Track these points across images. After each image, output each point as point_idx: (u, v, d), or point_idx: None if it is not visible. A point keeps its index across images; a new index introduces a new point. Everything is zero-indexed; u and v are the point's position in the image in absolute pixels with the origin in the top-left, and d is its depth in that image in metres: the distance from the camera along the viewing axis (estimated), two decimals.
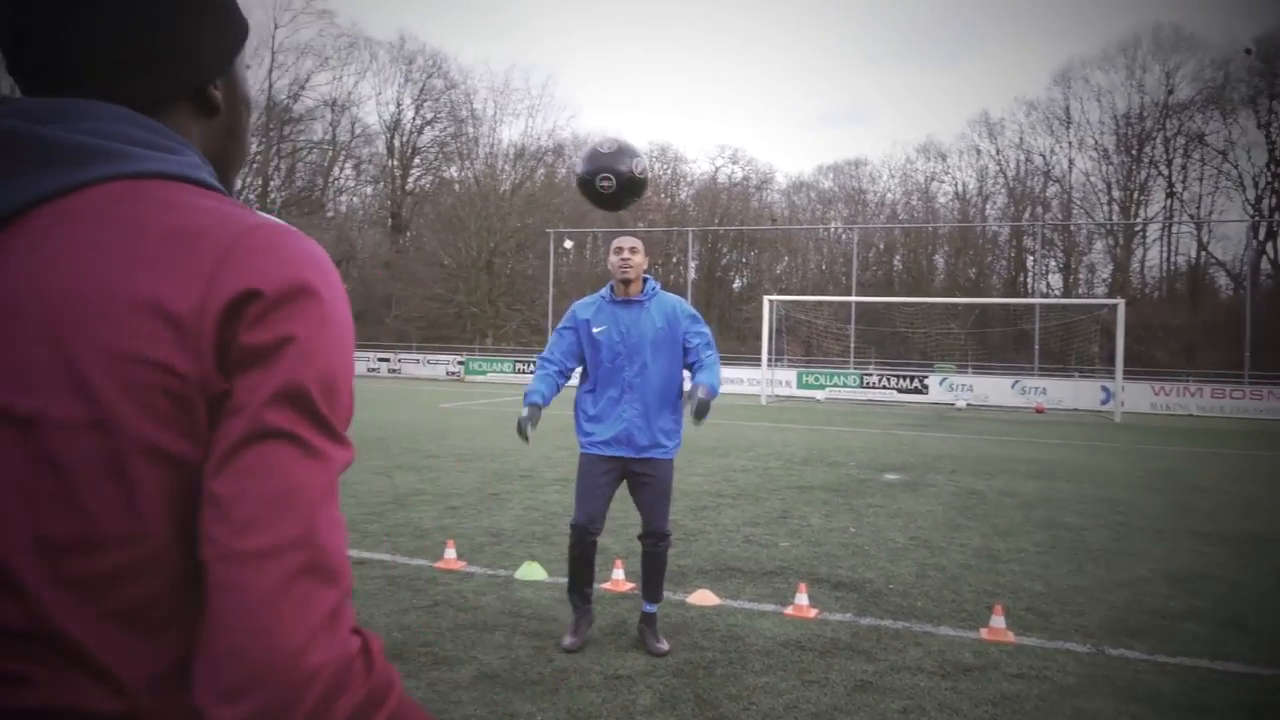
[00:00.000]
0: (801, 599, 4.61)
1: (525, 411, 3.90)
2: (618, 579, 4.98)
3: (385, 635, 4.03)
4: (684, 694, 3.48)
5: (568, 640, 3.94)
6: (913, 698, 3.50)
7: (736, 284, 55.58)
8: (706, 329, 4.07)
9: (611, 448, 3.95)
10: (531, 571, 5.11)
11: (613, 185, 3.24)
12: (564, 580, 5.04)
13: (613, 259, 4.00)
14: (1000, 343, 32.60)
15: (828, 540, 6.33)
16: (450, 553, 5.37)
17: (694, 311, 4.10)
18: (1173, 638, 4.34)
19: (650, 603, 4.06)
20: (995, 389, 24.53)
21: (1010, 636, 4.24)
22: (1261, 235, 43.26)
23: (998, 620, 4.32)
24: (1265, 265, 44.22)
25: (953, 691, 3.58)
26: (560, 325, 4.11)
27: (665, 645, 3.95)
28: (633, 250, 3.95)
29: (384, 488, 7.97)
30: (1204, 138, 45.78)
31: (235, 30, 0.84)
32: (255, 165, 57.68)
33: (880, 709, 3.39)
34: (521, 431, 3.89)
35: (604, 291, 4.07)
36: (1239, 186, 45.81)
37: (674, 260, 52.61)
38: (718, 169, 59.49)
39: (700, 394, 3.72)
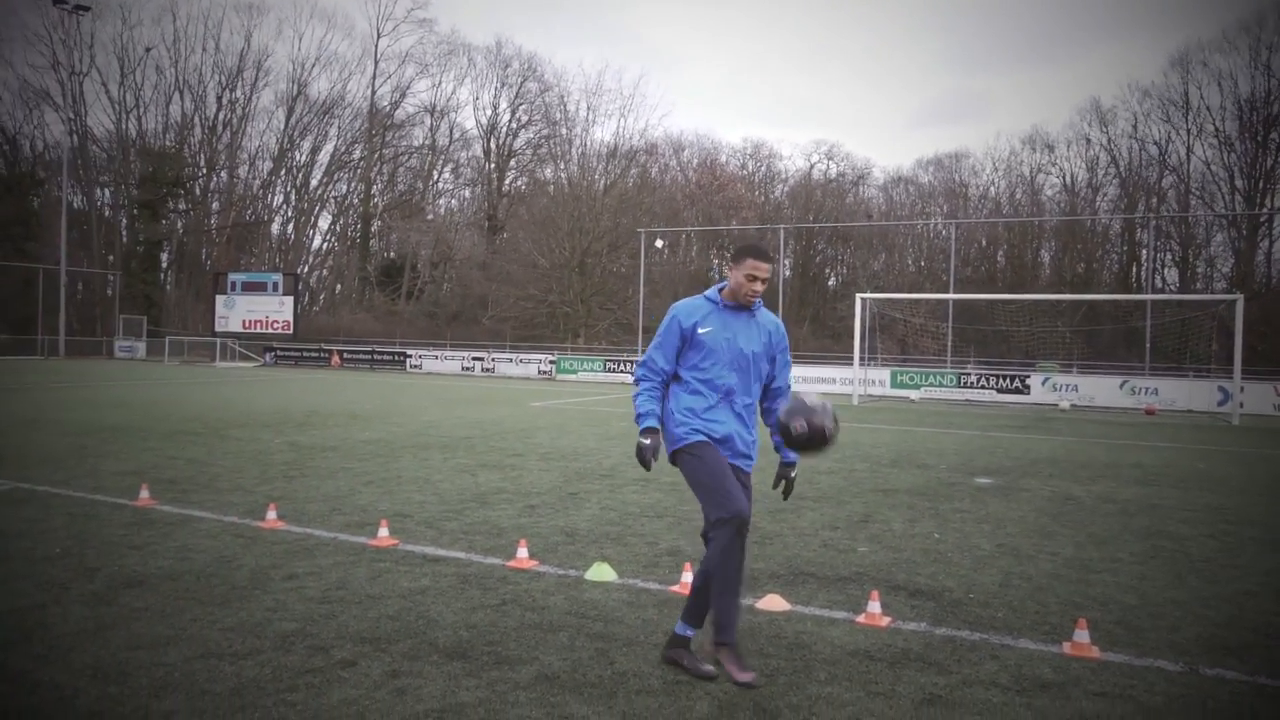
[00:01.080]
0: (874, 607, 4.48)
1: (647, 440, 3.70)
2: (687, 582, 4.94)
3: (451, 633, 4.10)
4: (743, 702, 3.42)
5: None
6: (983, 714, 3.36)
7: (831, 281, 54.69)
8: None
9: (720, 446, 3.85)
10: (601, 573, 5.12)
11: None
12: (634, 582, 5.05)
13: (742, 279, 3.79)
14: (1109, 341, 31.10)
15: (909, 546, 6.15)
16: (522, 552, 5.43)
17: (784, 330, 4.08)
18: (1276, 659, 4.04)
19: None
20: (1102, 389, 23.42)
21: (1095, 652, 4.03)
22: None
23: (1081, 634, 4.10)
24: None
25: (1027, 708, 3.42)
26: (664, 332, 3.87)
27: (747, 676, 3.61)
28: (765, 281, 3.83)
29: (466, 485, 8.13)
30: None
31: None
32: (359, 171, 59.84)
33: None
34: (646, 461, 3.73)
35: (711, 294, 3.92)
36: None
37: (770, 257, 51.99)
38: (813, 165, 58.65)
39: (793, 474, 3.98)
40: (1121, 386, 23.34)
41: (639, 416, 3.78)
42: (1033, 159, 51.66)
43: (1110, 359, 27.60)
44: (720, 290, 3.91)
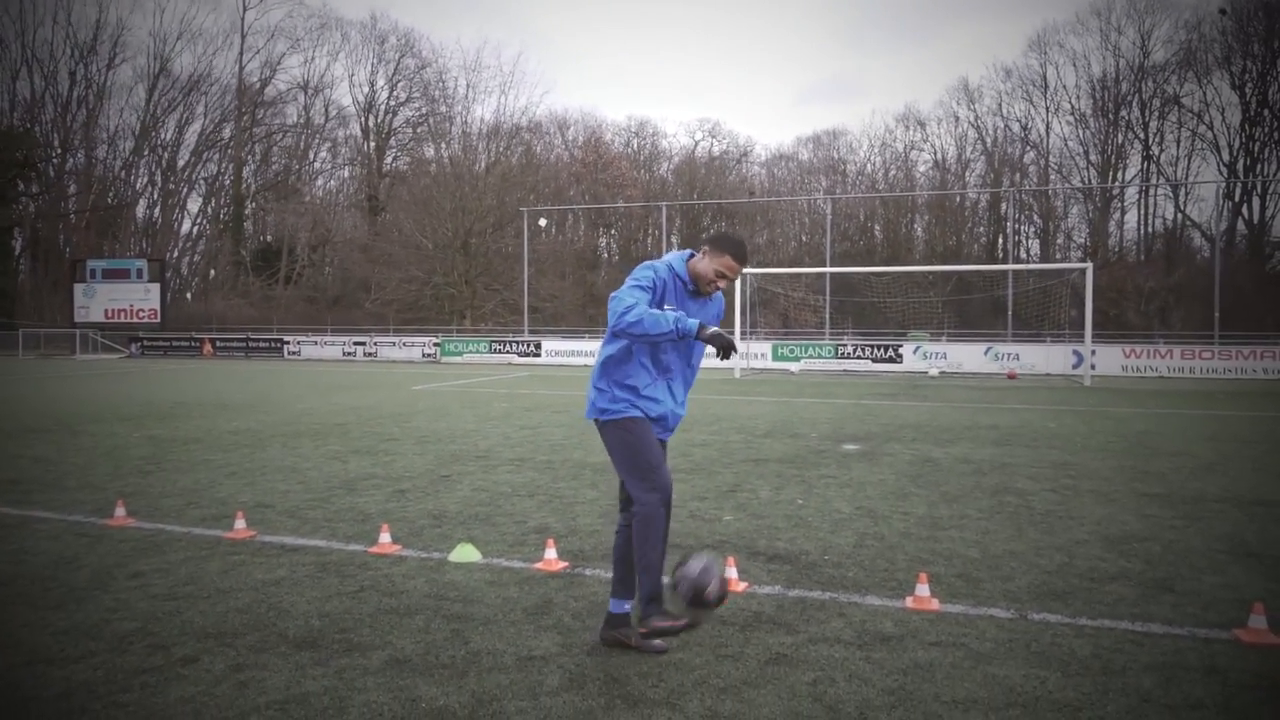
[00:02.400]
0: (731, 572, 4.60)
1: (710, 328, 3.51)
2: (550, 558, 4.95)
3: (302, 623, 4.00)
4: (594, 673, 3.46)
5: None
6: (824, 669, 3.50)
7: None
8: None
9: (655, 426, 3.83)
10: (465, 554, 5.08)
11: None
12: (498, 561, 5.04)
13: (712, 271, 3.73)
14: (977, 310, 32.69)
15: (772, 513, 6.33)
16: (385, 537, 5.33)
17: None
18: (1098, 600, 4.35)
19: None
20: (969, 356, 24.61)
21: (934, 604, 4.25)
22: (1236, 196, 43.43)
23: (922, 588, 4.32)
24: (1240, 227, 44.44)
25: (866, 661, 3.58)
26: (647, 284, 3.68)
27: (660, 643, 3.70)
28: (731, 282, 3.86)
29: (335, 472, 7.92)
30: (1179, 100, 45.81)
31: None
32: (229, 150, 57.05)
33: (790, 681, 3.38)
34: (732, 343, 3.56)
35: (680, 271, 3.78)
36: (1214, 148, 45.92)
37: (654, 235, 52.40)
38: (697, 143, 59.21)
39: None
40: (986, 353, 24.58)
41: (675, 321, 3.47)
42: (906, 136, 53.64)
43: (977, 327, 29.03)
44: (686, 273, 3.79)
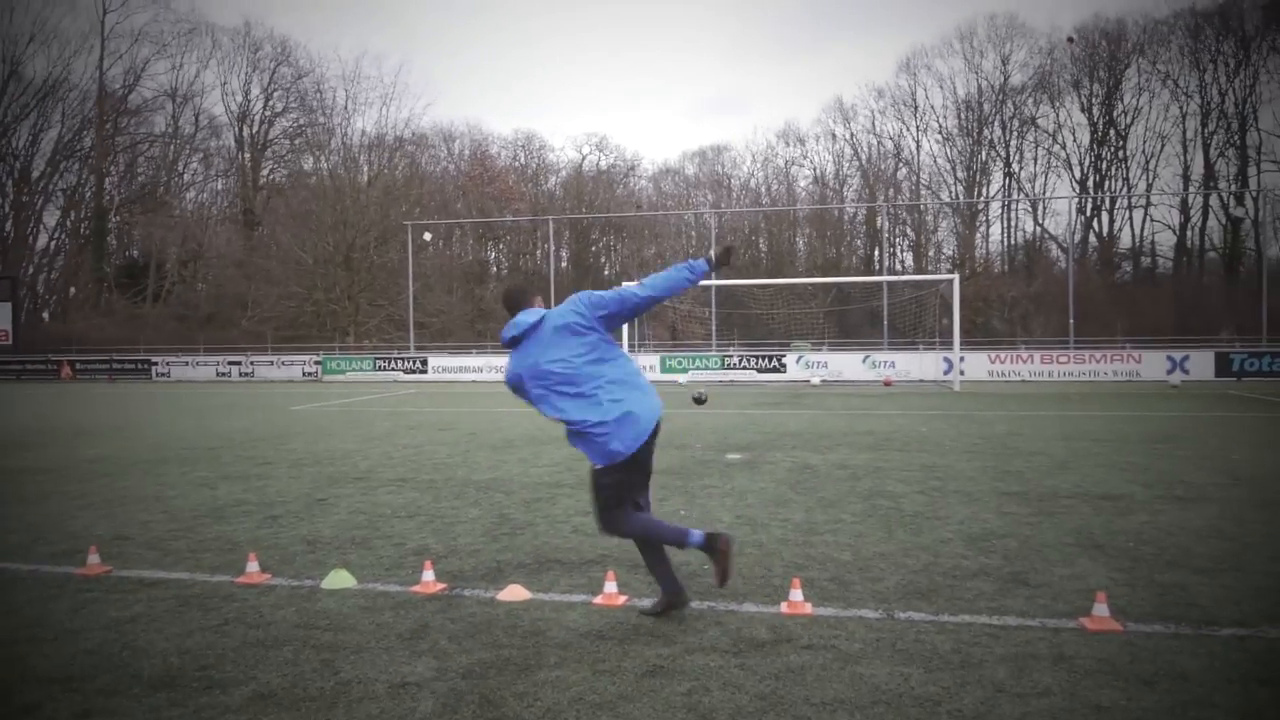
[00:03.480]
0: (610, 587, 4.61)
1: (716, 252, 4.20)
2: (428, 580, 4.85)
3: (160, 661, 3.79)
4: (469, 696, 3.41)
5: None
6: (699, 678, 3.54)
7: (606, 272, 55.69)
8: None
9: None
10: (339, 580, 4.92)
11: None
12: (373, 586, 4.91)
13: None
14: (856, 320, 33.88)
15: None
16: (253, 566, 5.11)
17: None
18: (959, 597, 4.56)
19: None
20: (848, 365, 25.48)
21: (808, 609, 4.36)
22: (1087, 211, 46.48)
23: (796, 594, 4.43)
24: (1092, 239, 47.59)
25: (740, 669, 3.64)
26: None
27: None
28: None
29: (203, 500, 7.56)
30: (1035, 121, 48.77)
31: None
32: (89, 160, 53.86)
33: (666, 693, 3.41)
34: (733, 248, 4.40)
35: None
36: (1066, 166, 49.05)
37: (542, 249, 52.27)
38: (584, 157, 59.39)
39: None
40: (864, 361, 25.50)
41: (689, 264, 4.20)
42: (787, 152, 55.24)
43: (856, 337, 30.08)
44: None
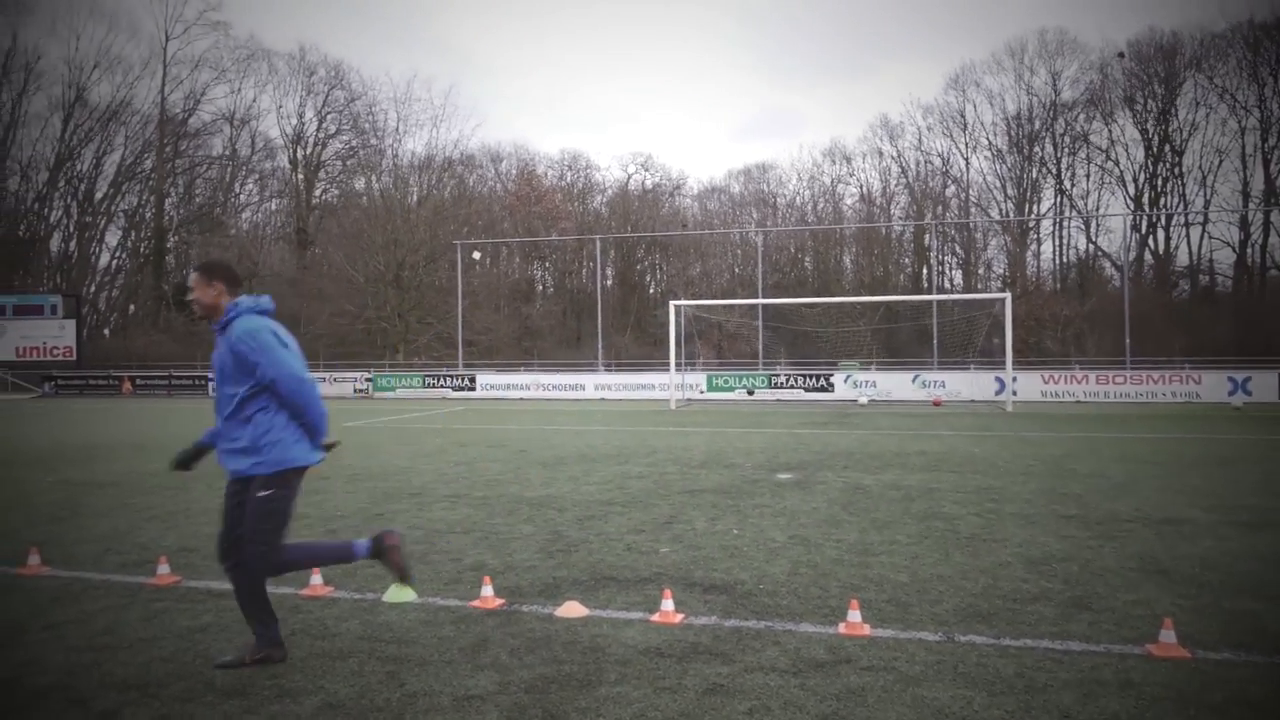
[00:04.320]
0: (668, 605, 4.64)
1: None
2: (487, 595, 4.92)
3: (232, 671, 3.90)
4: (533, 711, 3.45)
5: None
6: (760, 698, 3.55)
7: (651, 289, 55.88)
8: (269, 358, 3.88)
9: None
10: (400, 594, 5.01)
11: None
12: (433, 600, 4.99)
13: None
14: (905, 340, 33.54)
15: (709, 544, 6.39)
16: (316, 579, 5.23)
17: (244, 343, 3.89)
18: (1020, 620, 4.50)
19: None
20: (897, 384, 25.21)
21: (866, 630, 4.34)
22: (1142, 229, 45.54)
23: (854, 614, 4.41)
24: (1148, 257, 46.60)
25: (800, 689, 3.64)
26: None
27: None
28: (195, 298, 3.98)
29: None
30: (1088, 137, 47.99)
31: None
32: (150, 182, 55.56)
33: (727, 711, 3.42)
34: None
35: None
36: (1120, 183, 48.16)
37: (588, 267, 52.66)
38: (630, 176, 59.77)
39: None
40: (914, 381, 25.21)
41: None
42: (833, 170, 55.03)
43: (904, 356, 29.78)
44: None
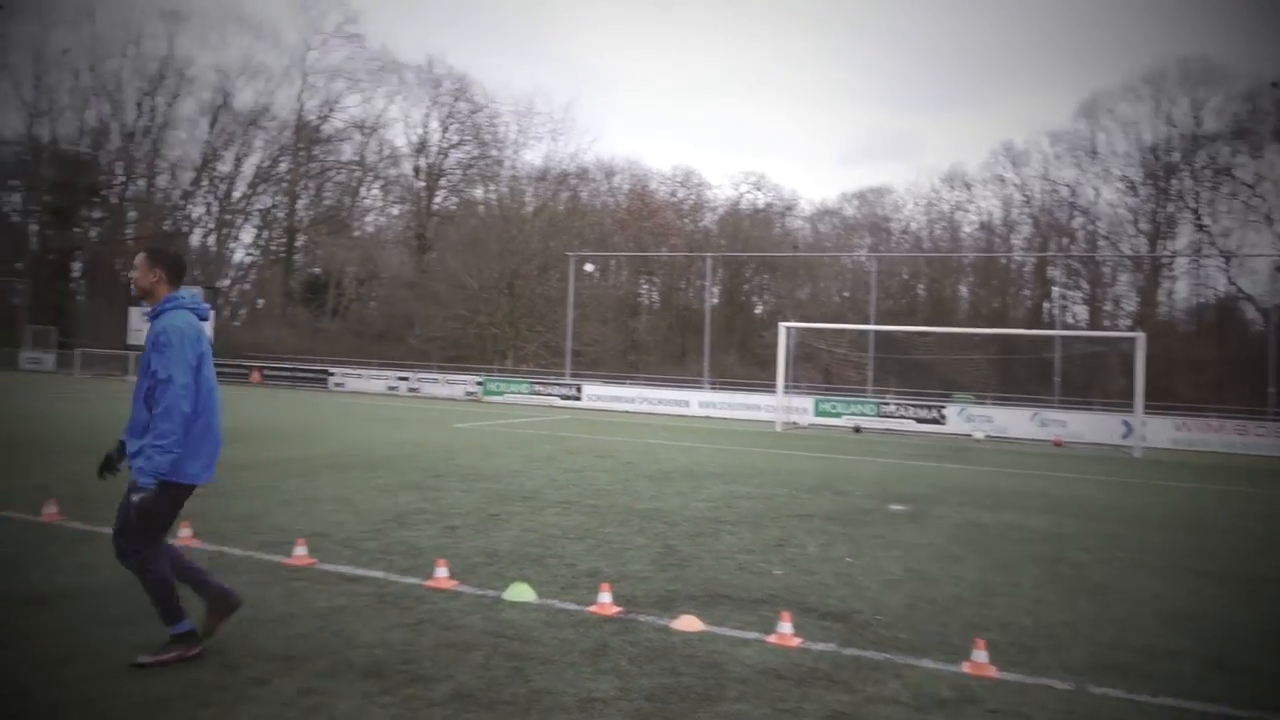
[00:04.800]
0: (785, 627, 4.62)
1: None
2: (604, 602, 5.00)
3: (366, 652, 4.09)
4: (655, 718, 3.50)
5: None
6: None
7: (758, 309, 55.55)
8: (164, 366, 3.79)
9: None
10: (520, 593, 5.15)
11: None
12: (552, 602, 5.10)
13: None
14: (1023, 374, 32.30)
15: (822, 569, 6.32)
16: (441, 572, 5.42)
17: (158, 337, 3.85)
18: (1154, 676, 4.30)
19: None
20: (1015, 421, 24.31)
21: (992, 671, 4.22)
22: None
23: (980, 654, 4.30)
24: None
25: None
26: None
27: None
28: (134, 278, 4.03)
29: (386, 505, 8.05)
30: (1231, 171, 45.36)
31: None
32: (284, 184, 58.68)
33: None
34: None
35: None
36: (1267, 220, 45.29)
37: (696, 284, 52.78)
38: (742, 194, 59.68)
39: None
40: (1032, 418, 24.27)
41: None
42: (951, 196, 53.61)
43: (1023, 392, 28.68)
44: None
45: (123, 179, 55.48)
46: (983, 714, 3.72)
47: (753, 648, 4.46)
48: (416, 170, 60.10)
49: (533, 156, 57.07)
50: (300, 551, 5.82)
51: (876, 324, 29.97)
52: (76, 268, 53.51)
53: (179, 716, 3.29)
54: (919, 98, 78.72)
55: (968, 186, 53.06)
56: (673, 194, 59.58)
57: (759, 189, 60.31)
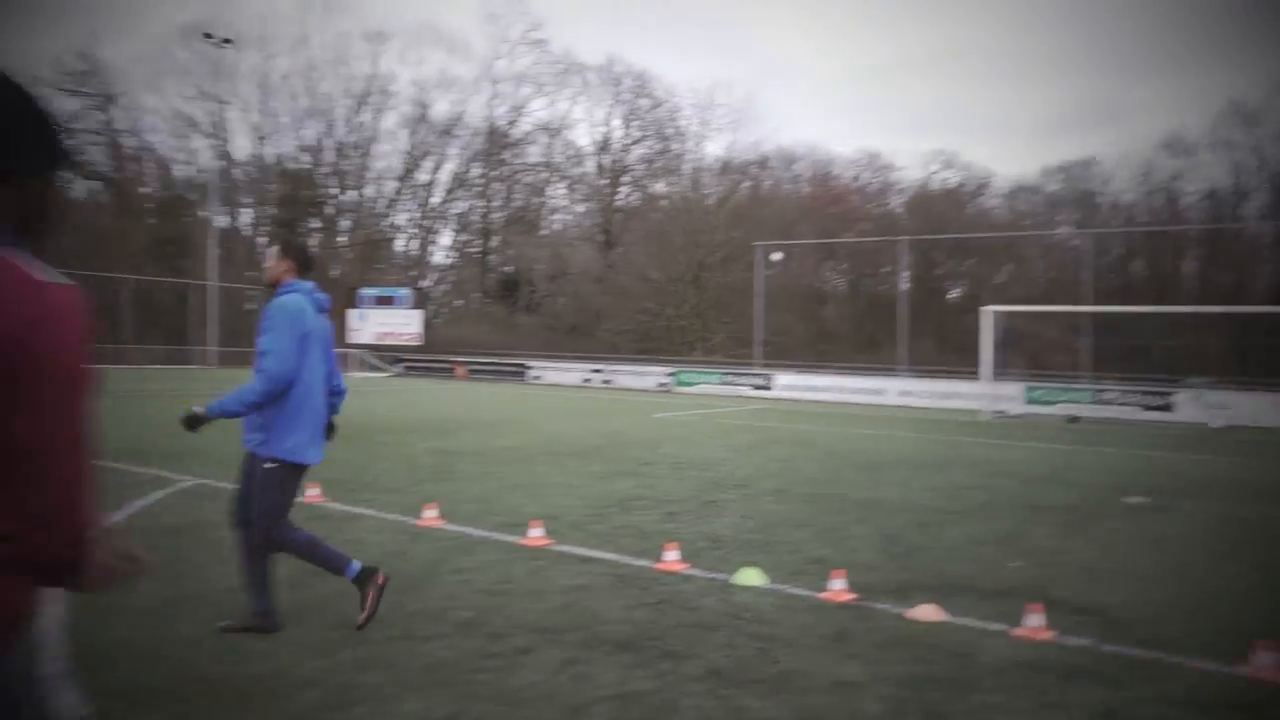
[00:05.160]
0: (1035, 620, 4.42)
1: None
2: (837, 589, 4.97)
3: (616, 628, 4.27)
4: (912, 705, 3.46)
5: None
6: None
7: (953, 294, 53.13)
8: (265, 338, 4.03)
9: None
10: (750, 577, 5.21)
11: None
12: (783, 588, 5.13)
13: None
14: (1265, 356, 29.05)
15: (1062, 562, 5.99)
16: (671, 555, 5.57)
17: (266, 314, 4.11)
18: None
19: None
20: (1261, 408, 21.96)
21: (1276, 675, 3.87)
22: None
23: (1265, 657, 3.94)
24: None
25: None
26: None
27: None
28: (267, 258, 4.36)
29: (606, 491, 8.35)
30: None
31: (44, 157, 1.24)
32: (478, 189, 61.96)
33: None
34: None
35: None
36: None
37: (885, 270, 51.15)
38: (931, 174, 57.27)
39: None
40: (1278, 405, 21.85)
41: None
42: (1170, 165, 49.04)
43: (1267, 375, 25.84)
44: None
45: (336, 191, 60.44)
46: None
47: (998, 639, 4.30)
48: (600, 168, 61.79)
49: (715, 148, 57.17)
50: (536, 533, 6.14)
51: (1091, 304, 27.89)
52: None
53: (464, 678, 3.58)
54: (1128, 62, 72.41)
55: (1188, 153, 48.38)
56: (856, 178, 58.06)
57: (950, 167, 57.70)
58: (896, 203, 57.62)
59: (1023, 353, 30.67)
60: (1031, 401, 24.44)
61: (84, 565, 1.22)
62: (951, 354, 39.97)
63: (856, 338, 48.16)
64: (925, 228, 51.23)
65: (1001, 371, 24.98)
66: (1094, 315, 27.41)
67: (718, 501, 8.00)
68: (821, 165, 57.67)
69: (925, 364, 33.02)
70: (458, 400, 22.54)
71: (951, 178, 57.14)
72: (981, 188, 57.03)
